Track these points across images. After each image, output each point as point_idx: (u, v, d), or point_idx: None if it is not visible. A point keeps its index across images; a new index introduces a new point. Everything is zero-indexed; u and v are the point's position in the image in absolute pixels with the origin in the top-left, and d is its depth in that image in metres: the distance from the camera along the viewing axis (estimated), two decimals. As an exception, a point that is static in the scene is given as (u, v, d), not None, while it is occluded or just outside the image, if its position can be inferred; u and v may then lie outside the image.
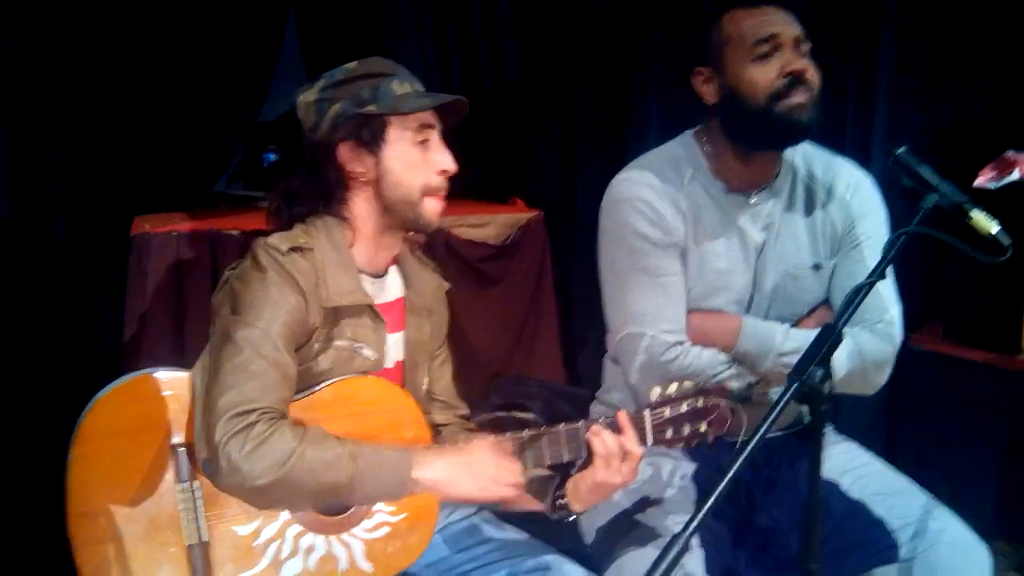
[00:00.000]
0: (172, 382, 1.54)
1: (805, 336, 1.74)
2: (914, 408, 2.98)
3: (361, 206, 1.63)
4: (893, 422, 3.05)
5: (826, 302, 1.86)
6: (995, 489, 2.75)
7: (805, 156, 1.87)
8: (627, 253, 1.77)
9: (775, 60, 1.69)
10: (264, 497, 1.47)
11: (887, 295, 1.78)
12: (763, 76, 1.68)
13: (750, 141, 1.77)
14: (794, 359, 1.65)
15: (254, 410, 1.43)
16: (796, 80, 1.67)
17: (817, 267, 1.83)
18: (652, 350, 1.74)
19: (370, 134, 1.58)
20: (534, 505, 1.67)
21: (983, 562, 1.65)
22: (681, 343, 1.75)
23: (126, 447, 1.52)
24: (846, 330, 1.68)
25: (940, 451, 2.86)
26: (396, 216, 1.63)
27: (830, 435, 1.93)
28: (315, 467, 1.43)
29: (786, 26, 1.70)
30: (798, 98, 1.68)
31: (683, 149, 1.85)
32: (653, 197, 1.77)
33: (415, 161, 1.61)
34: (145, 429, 1.52)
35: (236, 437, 1.40)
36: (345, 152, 1.60)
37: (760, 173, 1.81)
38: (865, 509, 1.73)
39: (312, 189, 1.63)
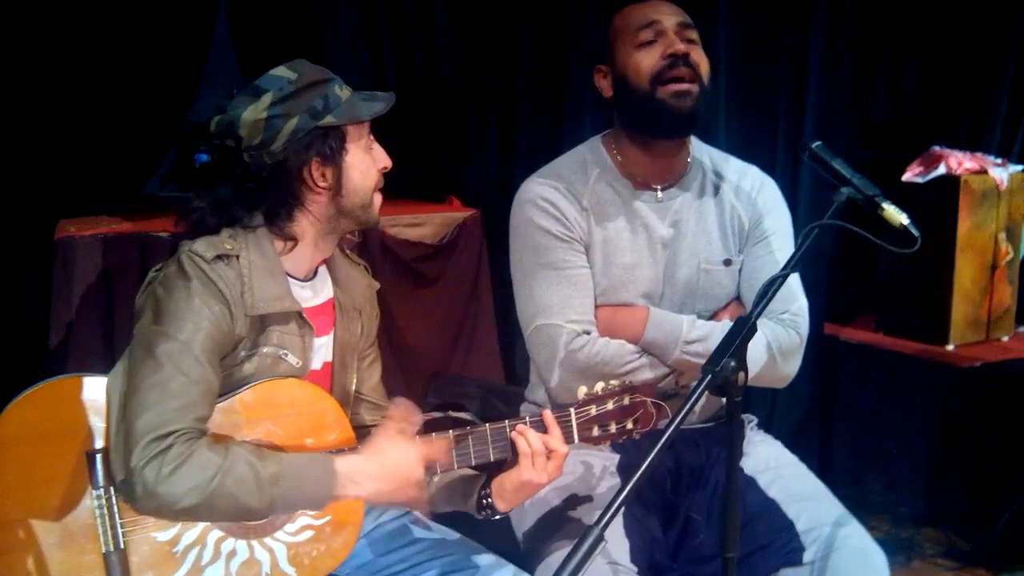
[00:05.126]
0: (87, 387, 1.49)
1: (711, 326, 1.77)
2: (848, 399, 3.05)
3: (306, 219, 1.59)
4: (828, 413, 3.11)
5: (738, 298, 1.89)
6: (924, 478, 2.81)
7: (713, 157, 1.93)
8: (532, 250, 1.81)
9: (658, 45, 1.76)
10: (184, 519, 1.47)
11: (794, 287, 1.83)
12: (646, 60, 1.76)
13: (641, 128, 1.82)
14: (700, 348, 1.72)
15: (172, 432, 1.39)
16: (677, 60, 1.74)
17: (728, 262, 1.87)
18: (560, 340, 1.75)
19: (332, 147, 1.55)
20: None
21: (882, 570, 1.69)
22: (588, 333, 1.77)
23: (39, 454, 1.47)
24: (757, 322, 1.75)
25: (872, 441, 2.93)
26: (349, 219, 1.62)
27: (755, 433, 1.95)
28: (235, 491, 1.40)
29: (669, 14, 1.79)
30: (680, 84, 1.74)
31: (590, 152, 1.90)
32: (555, 196, 1.82)
33: (368, 165, 1.61)
34: (59, 435, 1.48)
35: (152, 462, 1.37)
36: (314, 169, 1.55)
37: (665, 166, 1.85)
38: (778, 509, 1.75)
39: (250, 204, 1.57)
